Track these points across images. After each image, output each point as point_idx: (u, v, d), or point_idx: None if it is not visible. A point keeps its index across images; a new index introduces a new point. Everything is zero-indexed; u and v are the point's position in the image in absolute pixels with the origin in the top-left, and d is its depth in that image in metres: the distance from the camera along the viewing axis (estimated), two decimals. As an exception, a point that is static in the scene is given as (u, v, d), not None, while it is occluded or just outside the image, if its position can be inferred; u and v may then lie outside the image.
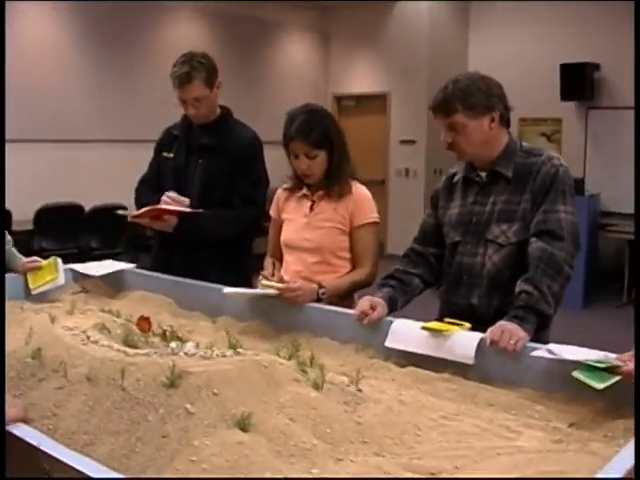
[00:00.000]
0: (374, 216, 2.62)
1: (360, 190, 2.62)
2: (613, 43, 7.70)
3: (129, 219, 2.94)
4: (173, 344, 1.77)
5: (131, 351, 1.66)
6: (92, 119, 7.67)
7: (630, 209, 6.87)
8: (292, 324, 2.30)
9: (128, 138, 7.77)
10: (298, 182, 2.67)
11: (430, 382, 1.85)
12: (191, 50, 2.98)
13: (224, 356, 1.61)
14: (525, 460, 1.38)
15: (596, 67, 8.04)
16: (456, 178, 2.38)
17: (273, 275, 2.45)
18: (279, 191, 2.78)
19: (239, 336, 2.08)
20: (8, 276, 2.69)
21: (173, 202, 2.85)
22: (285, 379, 1.55)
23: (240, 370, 1.52)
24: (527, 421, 1.63)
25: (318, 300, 2.41)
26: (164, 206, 2.84)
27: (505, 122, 2.26)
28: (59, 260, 2.75)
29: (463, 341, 1.94)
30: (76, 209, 6.93)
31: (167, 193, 2.88)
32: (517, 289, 2.06)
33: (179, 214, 2.85)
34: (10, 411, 1.46)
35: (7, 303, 2.42)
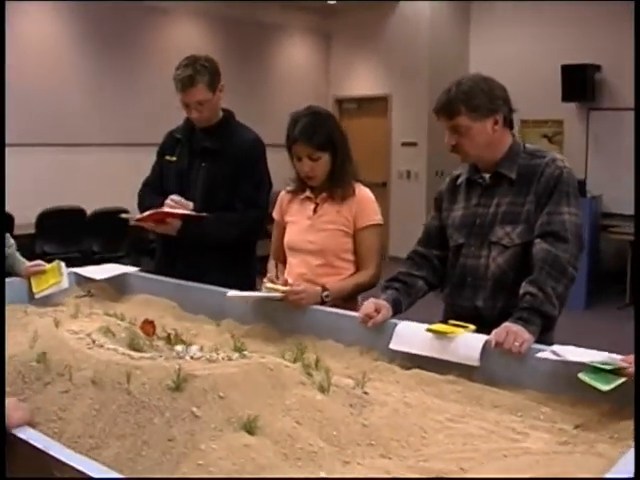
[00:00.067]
0: (377, 218, 2.62)
1: (363, 192, 2.62)
2: (614, 44, 7.70)
3: (132, 222, 2.94)
4: (178, 347, 1.77)
5: (136, 355, 1.66)
6: (93, 122, 7.68)
7: (632, 210, 6.87)
8: (296, 327, 2.30)
9: (129, 141, 7.78)
10: (301, 184, 2.67)
11: (435, 384, 1.85)
12: (194, 53, 2.98)
13: (230, 359, 1.60)
14: (532, 462, 1.38)
15: (597, 68, 8.04)
16: (460, 180, 2.38)
17: (278, 278, 2.45)
18: (282, 193, 2.78)
19: (243, 339, 2.08)
20: (12, 280, 2.70)
21: (177, 205, 2.85)
22: (291, 382, 1.55)
23: (246, 373, 1.52)
24: (533, 423, 1.63)
25: (322, 303, 2.40)
26: (168, 209, 2.84)
27: (508, 124, 2.26)
28: (62, 264, 2.75)
29: (468, 343, 1.94)
30: (78, 213, 6.94)
31: (171, 197, 2.87)
32: (521, 291, 2.06)
33: (183, 217, 2.85)
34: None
35: (11, 307, 2.43)
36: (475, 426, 1.57)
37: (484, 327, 1.99)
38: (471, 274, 2.27)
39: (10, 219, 5.79)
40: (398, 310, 2.25)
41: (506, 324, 1.94)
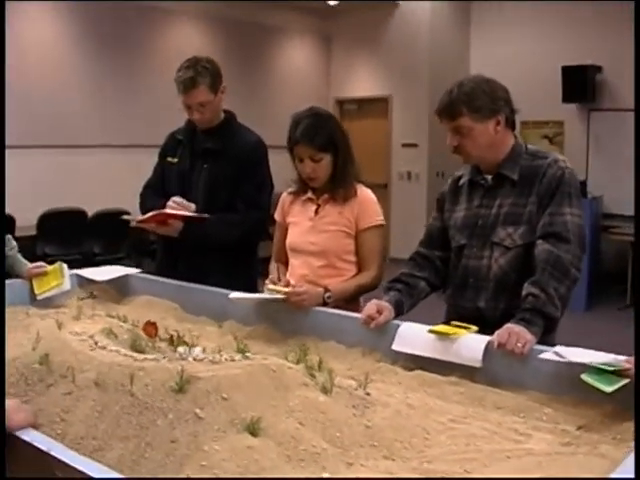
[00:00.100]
0: (379, 219, 2.62)
1: (365, 193, 2.62)
2: (615, 45, 7.70)
3: (134, 224, 2.94)
4: (181, 349, 1.77)
5: (139, 356, 1.66)
6: (93, 124, 7.67)
7: (632, 211, 6.86)
8: (298, 328, 2.30)
9: (129, 143, 7.78)
10: (303, 186, 2.67)
11: (437, 385, 1.85)
12: (195, 55, 2.98)
13: (232, 360, 1.60)
14: (535, 463, 1.38)
15: (598, 69, 8.05)
16: (462, 181, 2.38)
17: (279, 280, 2.45)
18: (284, 195, 2.78)
19: (246, 340, 2.07)
20: (14, 281, 2.70)
21: (179, 207, 2.85)
22: (294, 383, 1.55)
23: (249, 374, 1.52)
24: (536, 424, 1.63)
25: (324, 304, 2.40)
26: (170, 210, 2.84)
27: (510, 125, 2.26)
28: (64, 265, 2.75)
29: (470, 344, 1.94)
30: (79, 214, 6.93)
31: (173, 198, 2.88)
32: (524, 292, 2.06)
33: (185, 219, 2.85)
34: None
35: (12, 308, 2.43)
36: (478, 427, 1.57)
37: (486, 328, 1.99)
38: (473, 275, 2.27)
39: (11, 221, 5.79)
40: (400, 311, 2.25)
41: (508, 325, 1.94)
